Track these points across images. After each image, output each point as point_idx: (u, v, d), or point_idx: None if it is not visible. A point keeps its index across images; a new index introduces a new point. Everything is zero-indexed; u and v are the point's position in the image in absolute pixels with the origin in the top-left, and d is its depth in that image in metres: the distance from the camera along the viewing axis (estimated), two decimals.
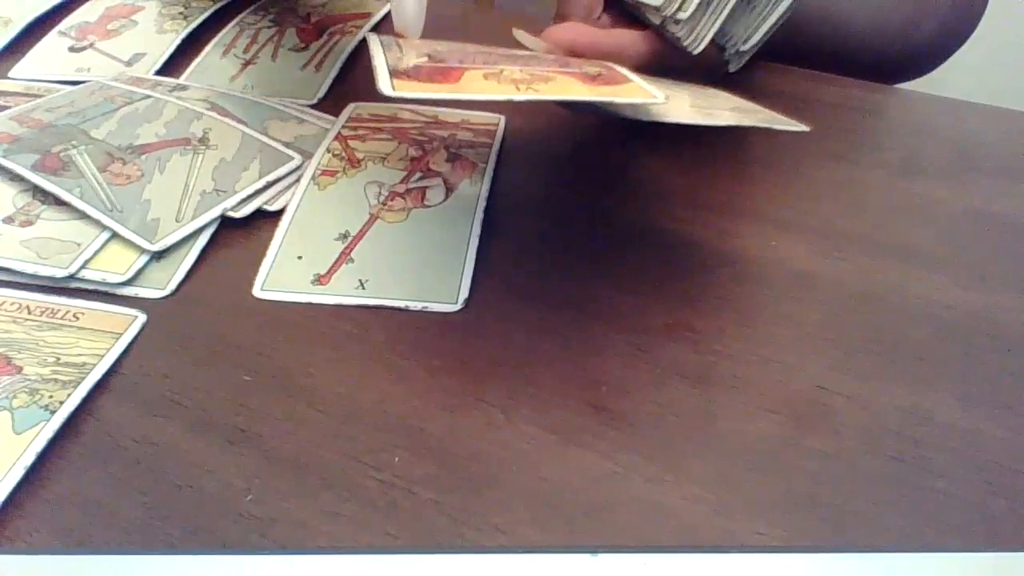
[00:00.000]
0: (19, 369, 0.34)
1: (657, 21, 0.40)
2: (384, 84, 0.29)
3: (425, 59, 0.32)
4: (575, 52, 0.39)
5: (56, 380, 0.34)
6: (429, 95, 0.30)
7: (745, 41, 0.42)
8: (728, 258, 0.40)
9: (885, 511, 0.30)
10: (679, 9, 0.38)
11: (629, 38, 0.40)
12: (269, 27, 0.57)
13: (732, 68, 0.44)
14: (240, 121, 0.47)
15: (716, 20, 0.40)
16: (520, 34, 0.39)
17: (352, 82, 0.53)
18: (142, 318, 0.38)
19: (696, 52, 0.40)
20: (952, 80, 0.68)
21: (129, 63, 0.54)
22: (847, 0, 0.62)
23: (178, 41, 0.55)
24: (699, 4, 0.38)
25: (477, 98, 0.30)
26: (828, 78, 0.53)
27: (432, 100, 0.30)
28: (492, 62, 0.33)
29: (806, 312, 0.38)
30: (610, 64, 0.35)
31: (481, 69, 0.32)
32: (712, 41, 0.41)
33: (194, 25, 0.57)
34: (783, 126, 0.34)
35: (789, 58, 0.54)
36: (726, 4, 0.39)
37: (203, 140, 0.46)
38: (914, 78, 0.66)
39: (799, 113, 0.51)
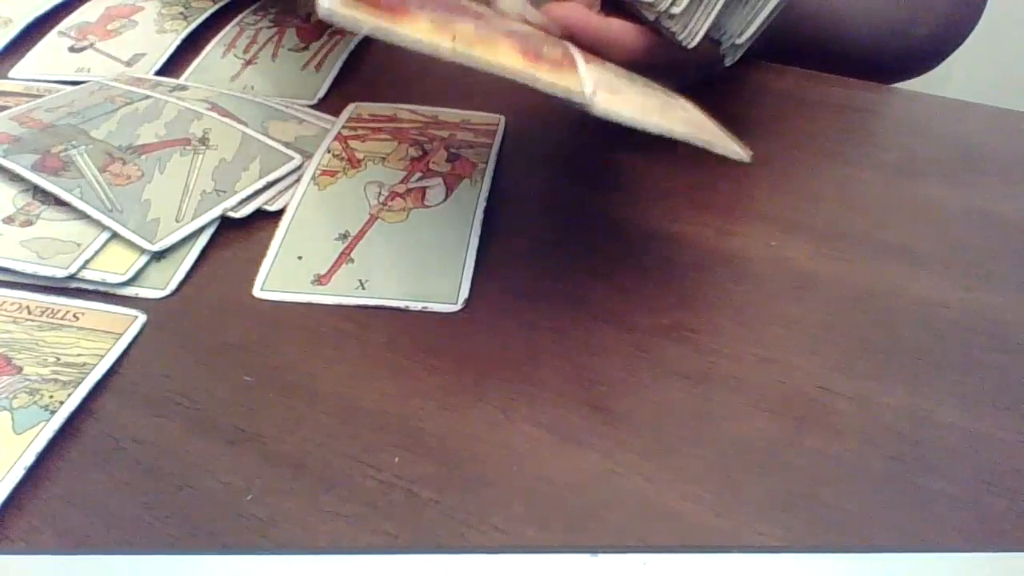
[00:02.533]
0: (19, 369, 0.34)
1: (651, 17, 0.40)
2: (323, 2, 0.29)
3: None
4: (571, 33, 0.39)
5: (56, 380, 0.34)
6: (365, 20, 0.29)
7: (740, 35, 0.42)
8: (728, 258, 0.40)
9: (885, 511, 0.30)
10: (672, 4, 0.38)
11: (625, 30, 0.40)
12: (269, 27, 0.57)
13: (728, 62, 0.44)
14: (240, 121, 0.47)
15: (709, 14, 0.40)
16: (522, 3, 0.39)
17: (352, 82, 0.53)
18: (142, 318, 0.38)
19: (690, 47, 0.40)
20: (952, 80, 0.68)
21: (129, 63, 0.54)
22: (846, 1, 0.62)
23: (178, 41, 0.55)
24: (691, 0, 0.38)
25: (405, 43, 0.29)
26: (828, 78, 0.53)
27: (367, 27, 0.29)
28: (455, 12, 0.32)
29: (806, 312, 0.38)
30: (575, 54, 0.35)
31: (436, 14, 0.31)
32: (707, 35, 0.41)
33: (194, 25, 0.57)
34: (722, 151, 0.33)
35: (789, 58, 0.54)
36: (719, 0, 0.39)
37: (203, 140, 0.46)
38: (913, 76, 0.66)
39: (799, 113, 0.51)
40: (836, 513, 0.30)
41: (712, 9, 0.40)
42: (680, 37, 0.40)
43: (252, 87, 0.52)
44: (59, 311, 0.38)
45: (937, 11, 0.63)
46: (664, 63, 0.41)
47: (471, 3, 0.36)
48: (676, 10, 0.39)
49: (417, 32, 0.29)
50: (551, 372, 0.35)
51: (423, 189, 0.44)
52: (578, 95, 0.31)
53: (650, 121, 0.32)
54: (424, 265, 0.40)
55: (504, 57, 0.31)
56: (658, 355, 0.36)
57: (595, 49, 0.39)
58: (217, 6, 0.59)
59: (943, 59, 0.66)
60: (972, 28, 0.65)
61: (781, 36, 0.48)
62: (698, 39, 0.40)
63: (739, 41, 0.43)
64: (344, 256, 0.40)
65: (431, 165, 0.45)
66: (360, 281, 0.39)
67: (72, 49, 0.55)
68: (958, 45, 0.66)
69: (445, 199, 0.43)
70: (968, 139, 0.48)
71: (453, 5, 0.33)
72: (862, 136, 0.49)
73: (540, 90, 0.31)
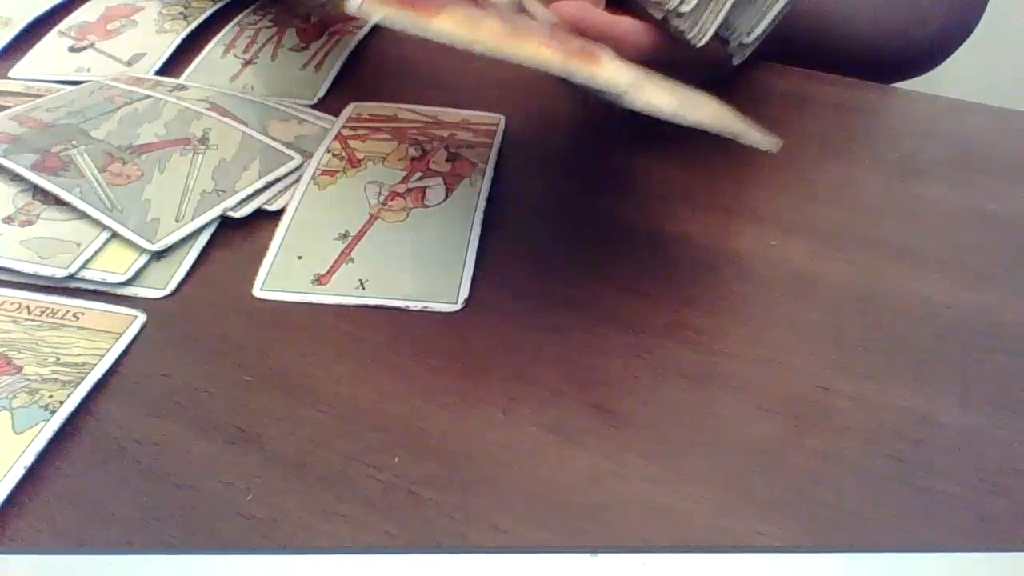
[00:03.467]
0: (19, 369, 0.34)
1: (660, 15, 0.39)
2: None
3: None
4: (579, 30, 0.39)
5: (56, 380, 0.34)
6: (394, 18, 0.29)
7: (749, 33, 0.42)
8: (729, 258, 0.40)
9: (885, 511, 0.30)
10: (681, 3, 0.38)
11: (634, 28, 0.40)
12: (269, 27, 0.57)
13: (736, 61, 0.44)
14: (240, 121, 0.47)
15: (719, 12, 0.39)
16: (530, 2, 0.39)
17: (352, 82, 0.53)
18: (142, 318, 0.38)
19: (700, 45, 0.40)
20: (952, 80, 0.68)
21: (129, 63, 0.54)
22: (848, 0, 0.62)
23: (178, 41, 0.55)
24: None
25: (439, 37, 0.29)
26: (828, 78, 0.53)
27: (395, 24, 0.29)
28: (481, 8, 0.32)
29: (806, 312, 0.38)
30: (598, 47, 0.35)
31: (463, 11, 0.31)
32: (717, 35, 0.40)
33: (194, 25, 0.57)
34: (750, 141, 0.33)
35: (789, 58, 0.54)
36: None
37: (203, 140, 0.46)
38: (915, 76, 0.66)
39: (799, 113, 0.51)
40: (836, 513, 0.30)
41: (722, 7, 0.39)
42: (689, 36, 0.40)
43: (252, 87, 0.52)
44: (59, 311, 0.38)
45: (939, 11, 0.63)
46: (672, 61, 0.41)
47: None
48: (685, 8, 0.38)
49: (448, 27, 0.29)
50: (551, 372, 0.35)
51: (423, 189, 0.44)
52: (616, 85, 0.31)
53: (678, 111, 0.31)
54: (424, 265, 0.40)
55: (534, 51, 0.30)
56: (659, 355, 0.36)
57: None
58: (217, 6, 0.59)
59: (945, 58, 0.66)
60: (974, 27, 0.65)
61: (784, 36, 0.48)
62: (708, 37, 0.40)
63: (747, 40, 0.43)
64: (344, 256, 0.40)
65: (431, 165, 0.45)
66: (360, 281, 0.39)
67: (72, 49, 0.55)
68: (960, 44, 0.66)
69: (445, 199, 0.43)
70: (968, 139, 0.48)
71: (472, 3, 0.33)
72: (863, 136, 0.49)
73: (574, 80, 0.30)
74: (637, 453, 0.32)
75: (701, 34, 0.40)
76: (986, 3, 0.65)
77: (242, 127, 0.47)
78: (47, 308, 0.38)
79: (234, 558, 0.29)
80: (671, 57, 0.41)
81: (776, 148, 0.34)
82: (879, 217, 0.43)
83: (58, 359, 0.35)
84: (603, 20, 0.39)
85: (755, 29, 0.42)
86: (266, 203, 0.43)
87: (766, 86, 0.52)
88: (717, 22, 0.40)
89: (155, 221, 0.41)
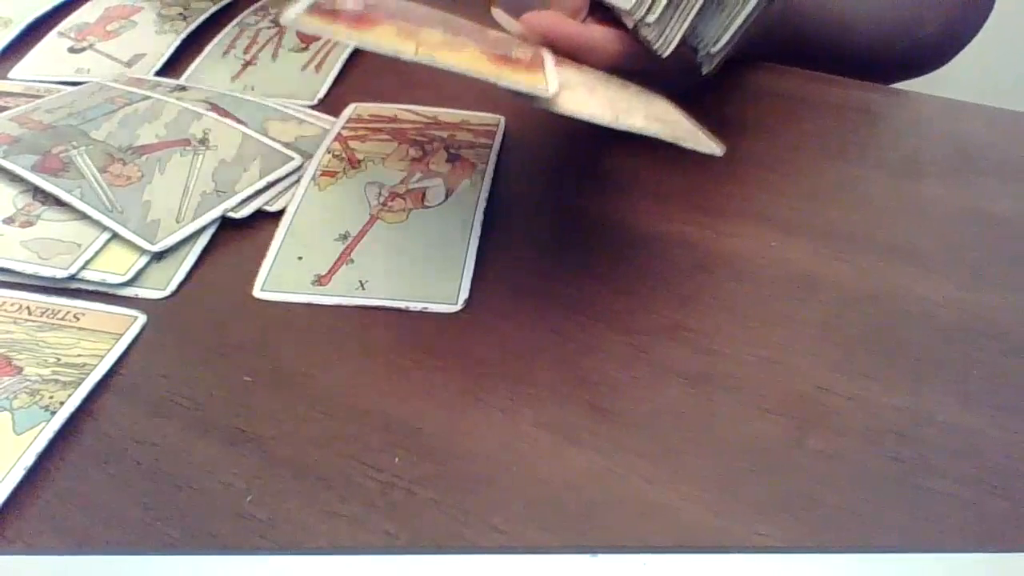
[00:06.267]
0: (19, 370, 0.34)
1: (631, 25, 0.40)
2: (289, 13, 0.29)
3: (361, 6, 0.32)
4: (549, 41, 0.39)
5: (56, 381, 0.34)
6: (326, 32, 0.29)
7: (715, 42, 0.42)
8: (728, 258, 0.40)
9: (885, 511, 0.30)
10: (648, 12, 0.38)
11: (603, 35, 0.40)
12: (269, 27, 0.57)
13: (704, 71, 0.44)
14: (240, 121, 0.47)
15: (683, 23, 0.40)
16: (498, 14, 0.39)
17: (352, 82, 0.53)
18: (142, 319, 0.38)
19: (664, 55, 0.40)
20: (952, 80, 0.68)
21: (129, 64, 0.54)
22: (849, 0, 0.62)
23: (178, 42, 0.55)
24: (666, 6, 0.38)
25: (369, 48, 0.30)
26: (828, 78, 0.53)
27: (331, 37, 0.30)
28: (422, 24, 0.32)
29: (806, 312, 0.38)
30: (545, 56, 0.35)
31: (401, 25, 0.31)
32: (684, 43, 0.41)
33: (194, 26, 0.57)
34: (692, 146, 0.33)
35: (789, 58, 0.54)
36: (693, 6, 0.39)
37: (203, 141, 0.46)
38: (917, 76, 0.66)
39: (799, 113, 0.51)
40: (836, 513, 0.30)
41: (686, 17, 0.39)
42: (655, 46, 0.40)
43: (252, 87, 0.52)
44: (59, 311, 0.38)
45: (943, 11, 0.63)
46: (645, 69, 0.41)
47: (451, 16, 0.36)
48: (651, 18, 0.39)
49: (380, 38, 0.30)
50: (551, 372, 0.35)
51: (423, 190, 0.44)
52: (541, 91, 0.31)
53: (612, 118, 0.32)
54: (424, 265, 0.40)
55: (468, 59, 0.31)
56: (658, 355, 0.36)
57: (574, 56, 0.39)
58: (217, 6, 0.59)
59: (949, 59, 0.66)
60: (979, 28, 0.65)
61: (785, 37, 0.48)
62: (672, 47, 0.40)
63: (714, 50, 0.43)
64: (344, 256, 0.40)
65: (431, 166, 0.45)
66: (360, 282, 0.39)
67: (72, 50, 0.55)
68: (963, 46, 0.65)
69: (445, 199, 0.43)
70: (968, 139, 0.48)
71: (425, 17, 0.33)
72: (862, 136, 0.49)
73: (505, 88, 0.31)
74: (636, 453, 0.32)
75: (666, 44, 0.40)
76: (992, 4, 0.65)
77: (242, 128, 0.47)
78: (47, 309, 0.38)
79: (234, 558, 0.29)
80: (644, 64, 0.41)
81: (721, 152, 0.34)
82: (879, 217, 0.43)
83: (58, 360, 0.35)
84: (573, 30, 0.39)
85: (721, 38, 0.42)
86: (266, 204, 0.43)
87: (767, 87, 0.52)
88: (681, 32, 0.40)
89: (155, 222, 0.41)
